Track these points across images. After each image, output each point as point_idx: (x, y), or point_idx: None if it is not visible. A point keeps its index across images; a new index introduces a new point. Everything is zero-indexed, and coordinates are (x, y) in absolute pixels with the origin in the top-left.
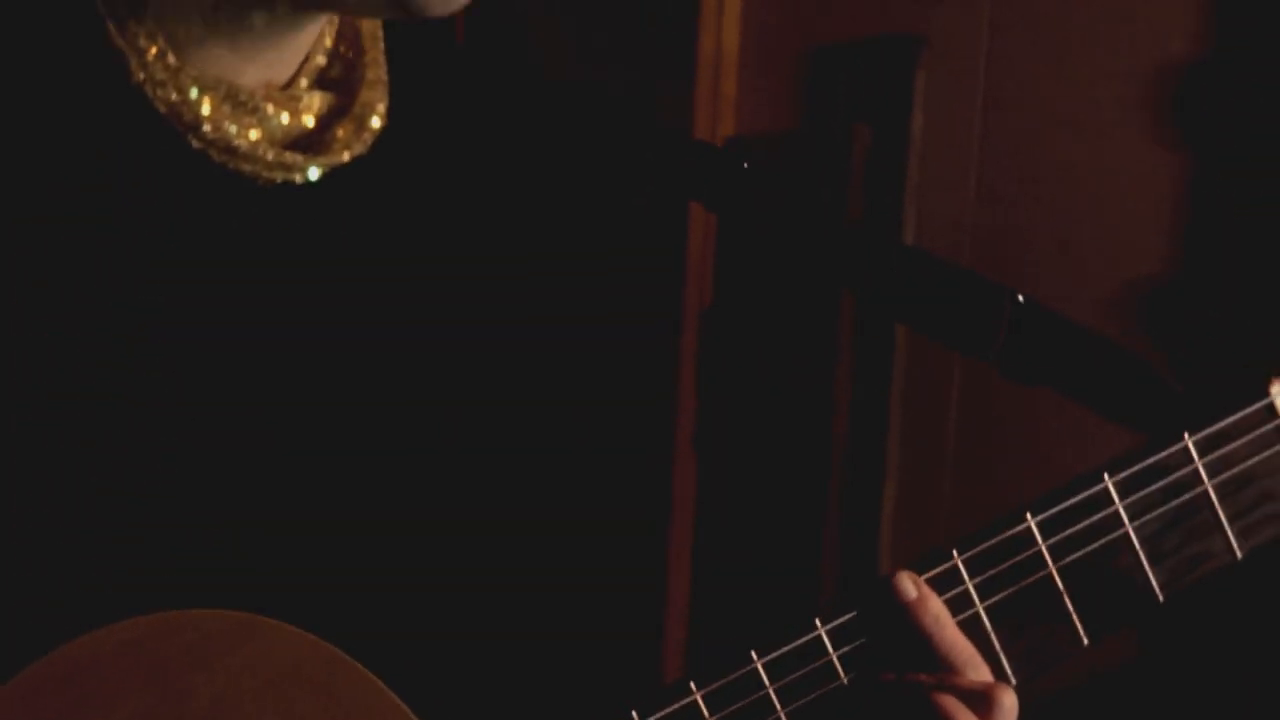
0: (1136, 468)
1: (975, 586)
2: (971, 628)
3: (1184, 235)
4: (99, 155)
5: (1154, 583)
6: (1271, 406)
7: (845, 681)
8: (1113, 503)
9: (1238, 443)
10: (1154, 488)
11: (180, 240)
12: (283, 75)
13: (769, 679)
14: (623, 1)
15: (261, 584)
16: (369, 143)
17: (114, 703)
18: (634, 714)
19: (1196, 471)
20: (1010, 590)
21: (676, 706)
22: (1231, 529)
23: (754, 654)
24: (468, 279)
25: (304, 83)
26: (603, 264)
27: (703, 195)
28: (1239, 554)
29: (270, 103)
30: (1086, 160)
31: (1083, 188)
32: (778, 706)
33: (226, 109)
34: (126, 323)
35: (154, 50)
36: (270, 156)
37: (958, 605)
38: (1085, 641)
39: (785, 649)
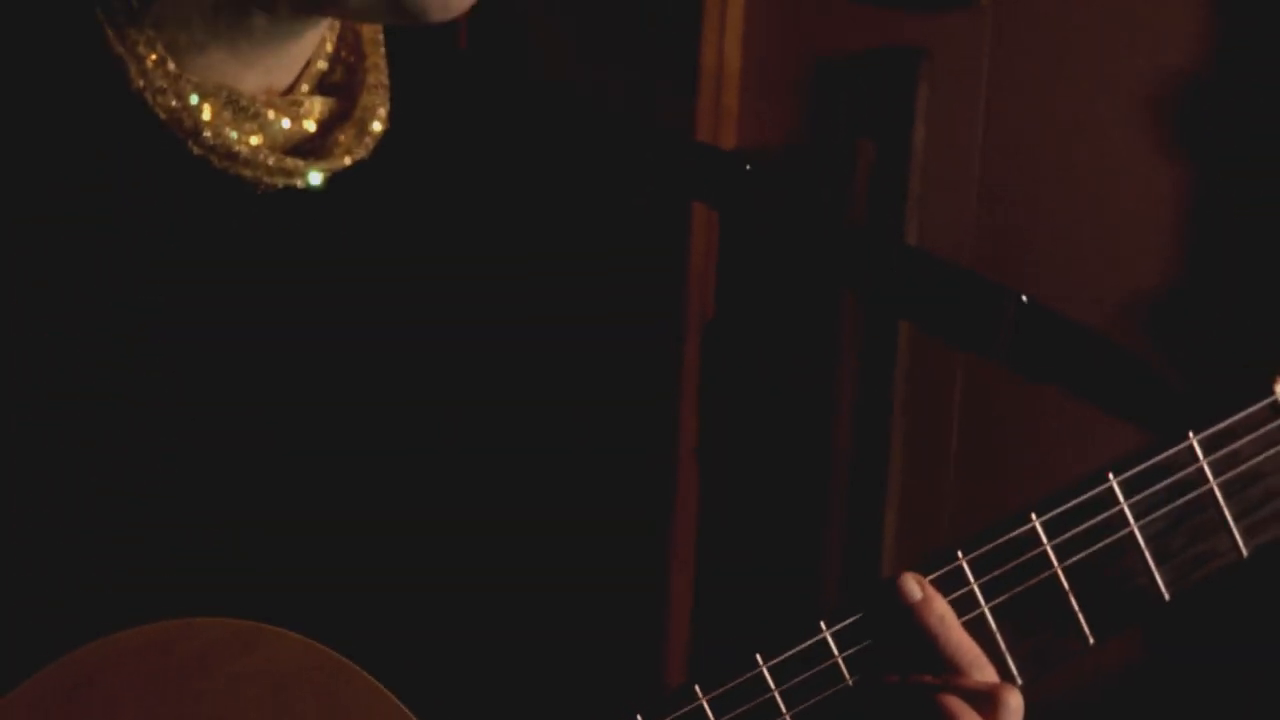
0: (1141, 467)
1: (980, 587)
2: (977, 628)
3: (1186, 244)
4: (99, 161)
5: (1160, 582)
6: (1276, 404)
7: (851, 683)
8: (1117, 502)
9: (1242, 441)
10: (1159, 487)
11: (181, 245)
12: (284, 80)
13: (774, 682)
14: (625, 14)
15: (262, 584)
16: (370, 147)
17: (117, 712)
18: (639, 718)
19: (1201, 470)
20: (1015, 591)
21: (682, 711)
22: (1237, 527)
23: (759, 657)
24: (469, 284)
25: (305, 88)
26: (605, 265)
27: (705, 195)
28: (1245, 552)
29: (271, 108)
30: (1089, 171)
31: (1085, 199)
32: (783, 709)
33: (227, 115)
34: (128, 328)
35: (153, 57)
36: (271, 162)
37: (963, 606)
38: (1091, 641)
39: (790, 652)
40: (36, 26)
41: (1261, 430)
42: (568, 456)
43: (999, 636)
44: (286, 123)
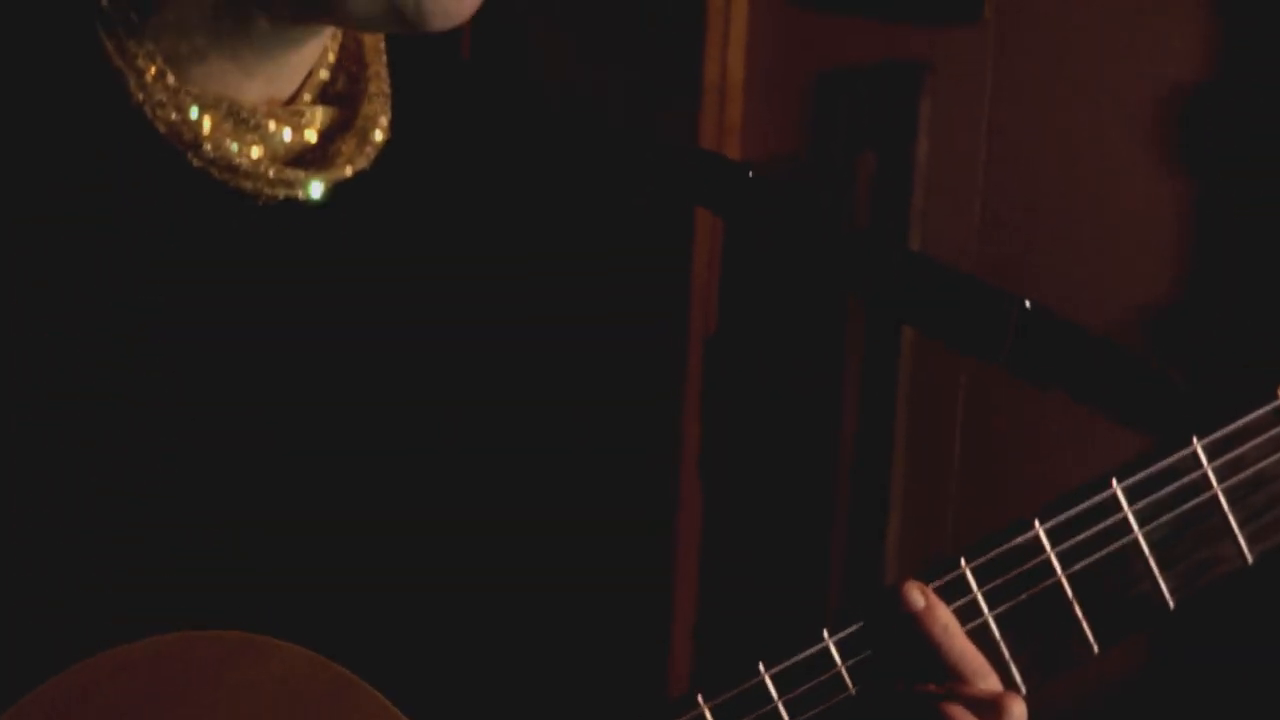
0: (1145, 473)
1: (984, 595)
2: (980, 636)
3: (1188, 256)
4: (100, 174)
5: (1164, 589)
6: None
7: (854, 692)
8: (1121, 509)
9: (1247, 446)
10: (1163, 493)
11: (182, 255)
12: (286, 90)
13: (777, 691)
14: (628, 28)
15: (264, 586)
16: (371, 157)
17: None
18: None
19: (1206, 476)
20: (1019, 598)
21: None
22: (1242, 533)
23: (762, 665)
24: (470, 293)
25: (307, 97)
26: (607, 274)
27: (709, 201)
28: (1250, 558)
29: (272, 119)
30: (1091, 185)
31: (1088, 213)
32: (786, 718)
33: (228, 126)
34: (129, 336)
35: (153, 70)
36: (271, 174)
37: (966, 614)
38: (1095, 649)
39: (793, 660)
40: (37, 40)
41: (1266, 435)
42: (573, 468)
43: (1002, 644)
44: (288, 133)
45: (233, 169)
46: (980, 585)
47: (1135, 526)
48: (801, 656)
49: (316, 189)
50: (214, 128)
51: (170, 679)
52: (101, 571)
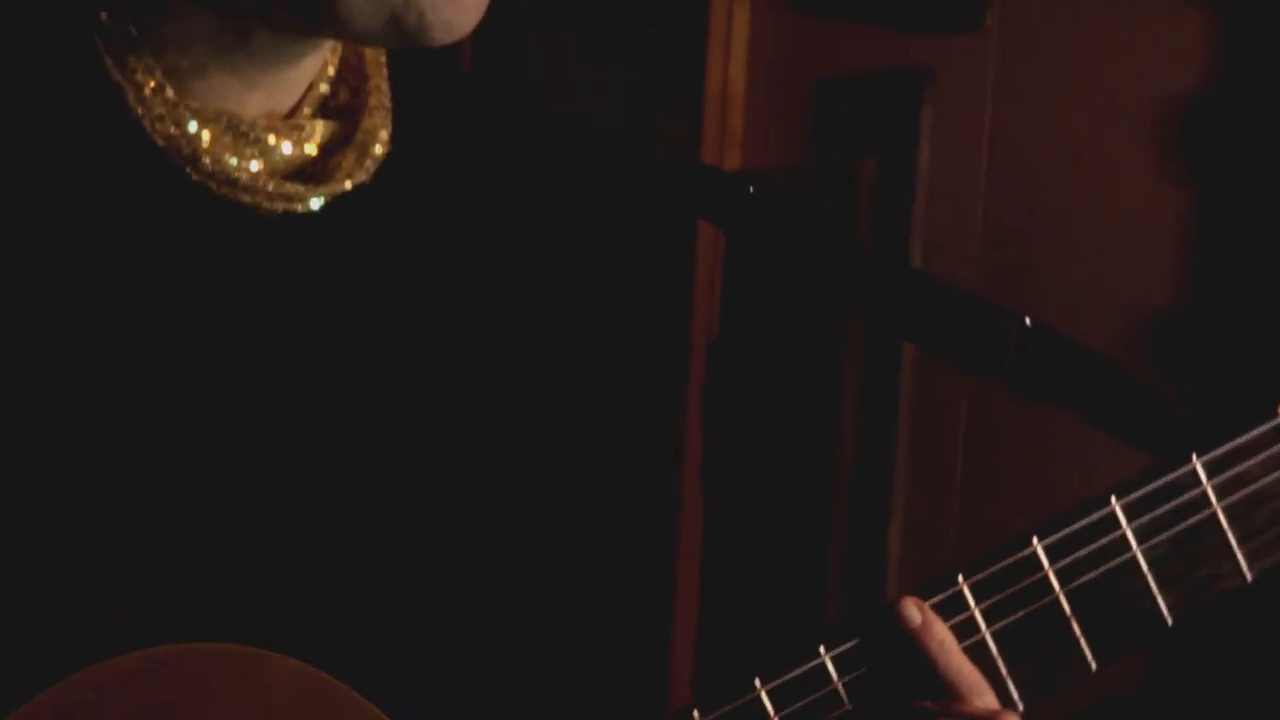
0: (1144, 490)
1: (981, 612)
2: (977, 653)
3: (1190, 267)
4: (99, 188)
5: (1162, 606)
6: None
7: (850, 709)
8: (1120, 526)
9: (1247, 464)
10: (1162, 510)
11: (181, 268)
12: (286, 103)
13: (773, 707)
14: (629, 38)
15: (264, 586)
16: (371, 170)
17: None
18: None
19: (1205, 493)
20: (1017, 615)
21: None
22: (1241, 551)
23: (757, 681)
24: (475, 298)
25: (307, 111)
26: (608, 287)
27: (710, 215)
28: (1249, 576)
29: (272, 133)
30: (1093, 193)
31: (1089, 221)
32: None
33: (227, 140)
34: (129, 349)
35: (152, 84)
36: (271, 188)
37: (963, 631)
38: (1093, 666)
39: (789, 676)
40: (36, 54)
41: (1266, 453)
42: (577, 470)
43: (1000, 661)
44: (288, 147)
45: (232, 183)
46: (978, 602)
47: (1134, 544)
48: (798, 672)
49: (316, 204)
50: (213, 141)
51: (162, 691)
52: (101, 572)
